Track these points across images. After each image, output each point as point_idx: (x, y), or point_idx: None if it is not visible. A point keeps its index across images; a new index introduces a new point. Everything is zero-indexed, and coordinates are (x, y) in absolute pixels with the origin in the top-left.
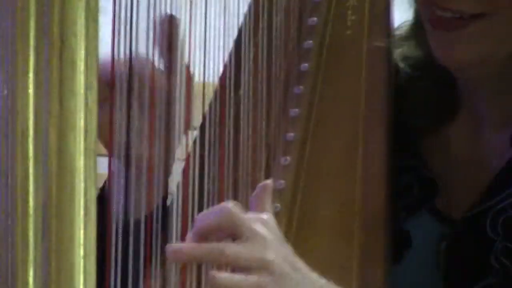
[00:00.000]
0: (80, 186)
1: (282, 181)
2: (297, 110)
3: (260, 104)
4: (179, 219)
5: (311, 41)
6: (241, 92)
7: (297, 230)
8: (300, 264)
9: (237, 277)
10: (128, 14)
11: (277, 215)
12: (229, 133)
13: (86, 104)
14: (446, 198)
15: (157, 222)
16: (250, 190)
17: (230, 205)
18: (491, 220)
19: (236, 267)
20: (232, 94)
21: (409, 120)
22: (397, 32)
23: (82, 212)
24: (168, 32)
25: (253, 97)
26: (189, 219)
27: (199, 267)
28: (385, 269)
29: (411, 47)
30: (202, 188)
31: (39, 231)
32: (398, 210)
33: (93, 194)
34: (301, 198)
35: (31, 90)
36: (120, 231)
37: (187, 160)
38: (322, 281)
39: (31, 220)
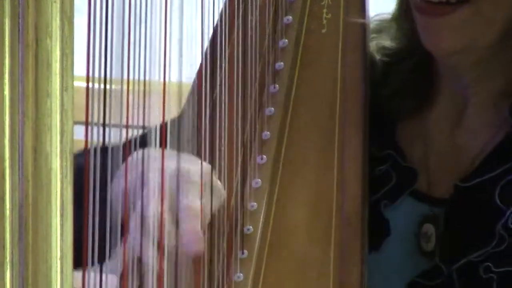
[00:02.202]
0: (56, 187)
1: (259, 180)
2: (272, 109)
3: (235, 103)
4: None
5: (286, 40)
6: (217, 91)
7: (273, 229)
8: None
9: None
10: (103, 15)
11: (253, 214)
12: (205, 132)
13: (62, 105)
14: (426, 178)
15: None
16: (227, 189)
17: None
18: (500, 191)
19: None
20: (207, 93)
21: (386, 107)
22: (373, 25)
23: (58, 213)
24: None
25: (228, 96)
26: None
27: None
28: (362, 269)
29: (385, 38)
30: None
31: (15, 233)
32: (379, 198)
33: (70, 195)
34: (277, 198)
35: (6, 92)
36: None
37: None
38: None
39: (7, 222)
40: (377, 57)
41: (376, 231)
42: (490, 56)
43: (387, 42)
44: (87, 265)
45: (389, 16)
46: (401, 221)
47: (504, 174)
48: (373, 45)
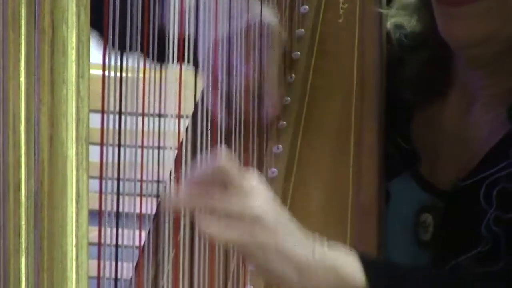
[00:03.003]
0: (72, 174)
1: (275, 169)
2: (288, 98)
3: (252, 92)
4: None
5: (302, 30)
6: (233, 80)
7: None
8: (293, 223)
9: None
10: (119, 3)
11: None
12: (221, 121)
13: (78, 92)
14: (431, 167)
15: None
16: None
17: (223, 160)
18: (485, 191)
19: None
20: (224, 81)
21: (400, 93)
22: (396, 4)
23: (74, 200)
24: None
25: (245, 85)
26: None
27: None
28: (379, 256)
29: (408, 18)
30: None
31: (31, 220)
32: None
33: (85, 182)
34: (293, 186)
35: (22, 79)
36: None
37: (179, 148)
38: (313, 242)
39: (23, 209)
40: (395, 35)
41: None
42: (508, 50)
43: (409, 21)
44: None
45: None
46: (401, 201)
47: (491, 175)
48: (391, 22)
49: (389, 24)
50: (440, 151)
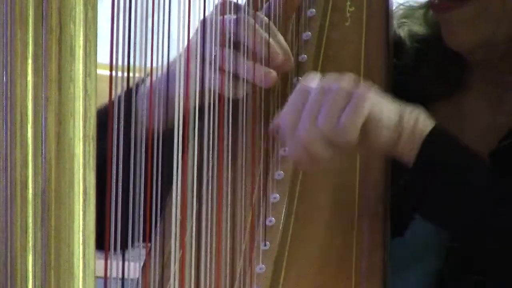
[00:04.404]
0: (79, 172)
1: (281, 172)
2: None
3: (258, 95)
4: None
5: (309, 33)
6: (240, 82)
7: (295, 218)
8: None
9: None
10: (126, 1)
11: (275, 206)
12: (228, 124)
13: (85, 90)
14: None
15: None
16: (249, 178)
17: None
18: None
19: None
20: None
21: (418, 92)
22: (401, 11)
23: (81, 198)
24: None
25: (252, 88)
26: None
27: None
28: (384, 254)
29: (415, 24)
30: (201, 170)
31: (38, 218)
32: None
33: (92, 180)
34: (300, 190)
35: (30, 77)
36: None
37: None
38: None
39: (30, 207)
40: (408, 43)
41: (401, 213)
42: (510, 51)
43: (418, 27)
44: None
45: (416, 4)
46: None
47: None
48: (404, 31)
49: (402, 32)
50: (472, 144)
